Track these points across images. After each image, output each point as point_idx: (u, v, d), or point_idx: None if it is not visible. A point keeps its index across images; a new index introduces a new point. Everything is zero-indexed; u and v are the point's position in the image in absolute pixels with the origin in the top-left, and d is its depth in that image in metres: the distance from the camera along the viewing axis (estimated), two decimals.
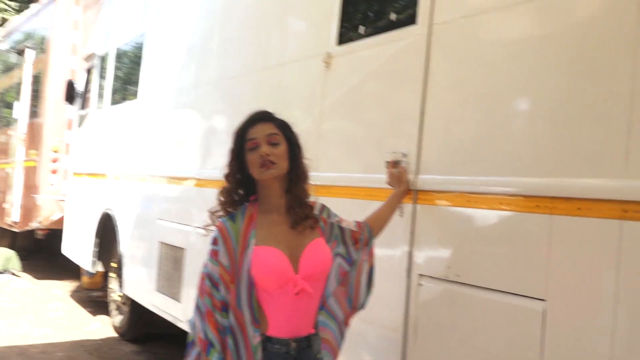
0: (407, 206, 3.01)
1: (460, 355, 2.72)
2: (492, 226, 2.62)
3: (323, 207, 2.56)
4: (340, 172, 3.56)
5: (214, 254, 2.34)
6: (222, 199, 2.44)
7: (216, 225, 2.39)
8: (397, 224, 3.04)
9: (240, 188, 2.44)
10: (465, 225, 2.75)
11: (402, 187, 2.97)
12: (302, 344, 2.36)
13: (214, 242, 2.35)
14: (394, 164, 3.05)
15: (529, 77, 2.56)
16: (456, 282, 2.75)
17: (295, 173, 2.43)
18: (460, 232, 2.77)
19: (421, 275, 2.94)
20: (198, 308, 2.33)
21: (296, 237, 2.39)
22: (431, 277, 2.89)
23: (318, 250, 2.41)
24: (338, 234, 2.56)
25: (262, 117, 2.44)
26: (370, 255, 2.68)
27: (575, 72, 2.38)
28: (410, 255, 2.99)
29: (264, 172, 2.35)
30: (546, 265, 2.35)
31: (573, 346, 2.28)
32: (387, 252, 3.12)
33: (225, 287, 2.30)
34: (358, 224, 2.66)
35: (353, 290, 2.61)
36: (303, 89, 4.01)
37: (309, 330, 2.40)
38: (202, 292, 2.34)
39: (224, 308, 2.30)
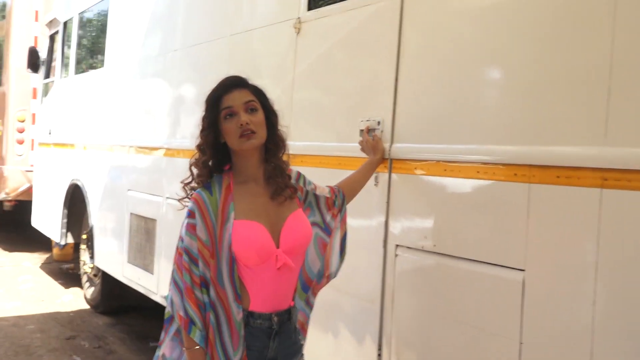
0: (382, 175, 2.96)
1: (438, 327, 2.69)
2: (469, 195, 2.58)
3: (299, 174, 2.50)
4: (313, 141, 3.48)
5: (191, 228, 2.22)
6: (195, 170, 2.32)
7: (192, 197, 2.27)
8: (373, 193, 2.99)
9: (215, 158, 2.33)
10: (441, 195, 2.70)
11: (377, 155, 2.91)
12: (283, 317, 2.31)
13: (191, 215, 2.23)
14: (368, 131, 2.98)
15: (504, 43, 2.50)
16: (433, 252, 2.71)
17: (273, 141, 2.34)
18: (437, 201, 2.72)
19: (397, 245, 2.90)
20: (176, 284, 2.25)
21: (276, 208, 2.32)
22: (408, 247, 2.85)
23: (298, 223, 2.34)
24: (312, 201, 2.50)
25: (237, 83, 2.31)
26: (343, 221, 2.60)
27: (551, 37, 2.32)
28: (386, 226, 2.95)
29: (244, 142, 2.24)
30: (525, 234, 2.32)
31: (552, 316, 2.25)
32: (362, 222, 3.08)
33: (204, 263, 2.21)
34: (331, 189, 2.60)
35: (324, 259, 2.51)
36: (273, 56, 3.91)
37: (289, 303, 2.35)
38: (179, 267, 2.24)
39: (204, 284, 2.22)
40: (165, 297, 2.32)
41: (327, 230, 2.52)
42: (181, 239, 2.26)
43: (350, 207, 2.98)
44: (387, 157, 2.92)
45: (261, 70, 3.99)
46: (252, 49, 4.13)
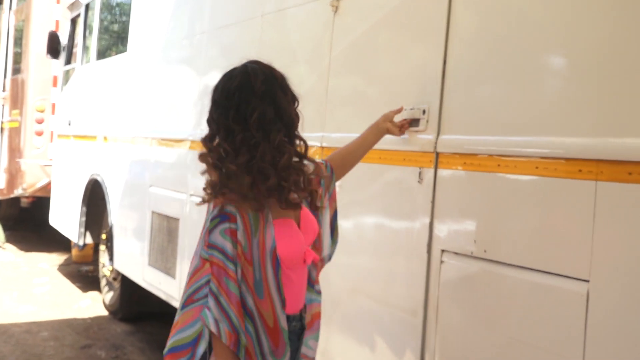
0: (427, 171, 2.85)
1: (487, 343, 2.58)
2: (526, 194, 2.46)
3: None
4: (350, 133, 3.38)
5: (230, 233, 2.13)
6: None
7: (232, 200, 2.16)
8: (415, 191, 2.90)
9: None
10: (494, 194, 2.58)
11: (386, 126, 2.81)
12: (304, 314, 2.36)
13: (230, 218, 2.14)
14: (409, 121, 2.88)
15: (568, 23, 2.38)
16: (483, 258, 2.60)
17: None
18: (489, 201, 2.61)
19: (443, 250, 2.79)
20: (217, 299, 2.12)
21: None
22: (455, 253, 2.74)
23: (309, 215, 2.35)
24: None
25: None
26: (332, 199, 2.55)
27: (624, 16, 2.19)
28: (430, 228, 2.84)
29: None
30: (590, 240, 2.19)
31: (620, 334, 2.13)
32: (403, 224, 3.00)
33: (242, 270, 2.14)
34: (317, 165, 2.45)
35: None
36: (308, 38, 3.84)
37: (304, 301, 2.38)
38: (221, 279, 2.12)
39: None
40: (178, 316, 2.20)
41: (314, 212, 2.41)
42: (214, 247, 2.14)
43: (390, 206, 2.89)
44: (433, 150, 2.81)
45: (295, 53, 3.92)
46: (285, 30, 4.06)
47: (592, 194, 2.18)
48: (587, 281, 2.19)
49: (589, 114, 2.25)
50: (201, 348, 2.16)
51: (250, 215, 2.15)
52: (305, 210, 2.33)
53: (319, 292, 2.43)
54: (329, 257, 2.55)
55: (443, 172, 2.80)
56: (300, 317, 2.31)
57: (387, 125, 2.82)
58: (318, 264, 2.45)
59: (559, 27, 2.42)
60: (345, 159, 2.70)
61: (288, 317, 2.25)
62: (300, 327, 2.31)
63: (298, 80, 3.81)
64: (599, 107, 2.23)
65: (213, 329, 2.11)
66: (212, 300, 2.12)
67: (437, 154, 2.81)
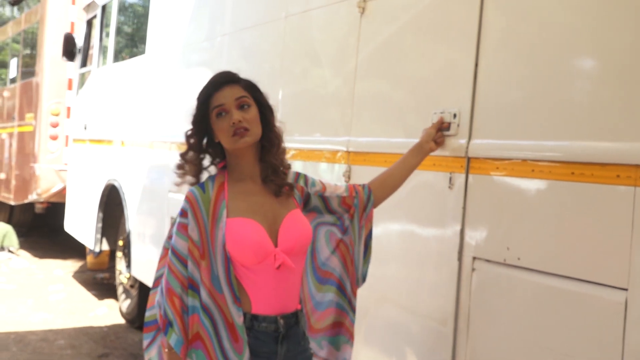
0: (458, 176, 2.86)
1: (522, 354, 2.58)
2: (561, 200, 2.45)
3: (297, 174, 2.59)
4: (377, 137, 3.41)
5: (182, 228, 2.33)
6: (186, 167, 2.46)
7: (185, 197, 2.38)
8: (446, 197, 2.90)
9: (204, 156, 2.47)
10: (528, 199, 2.59)
11: (430, 146, 2.86)
12: (289, 320, 2.42)
13: (183, 214, 2.35)
14: (440, 125, 2.89)
15: (603, 26, 2.38)
16: (517, 266, 2.60)
17: (268, 138, 2.45)
18: (523, 207, 2.61)
19: (475, 258, 2.79)
20: (162, 284, 2.36)
21: (273, 207, 2.43)
22: (487, 260, 2.74)
23: (297, 222, 2.44)
24: (318, 204, 2.60)
25: (227, 80, 2.42)
26: (368, 220, 2.68)
27: None
28: (461, 235, 2.84)
29: (237, 141, 2.34)
30: (628, 247, 2.18)
31: None
32: (433, 230, 3.01)
33: (195, 263, 2.32)
34: (350, 187, 2.65)
35: (342, 260, 2.65)
36: (333, 40, 3.85)
37: (295, 306, 2.45)
38: (164, 267, 2.37)
39: (192, 286, 2.32)
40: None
41: (342, 227, 2.63)
42: (169, 238, 2.41)
43: (420, 212, 2.90)
44: (464, 155, 2.82)
45: (320, 56, 3.95)
46: (310, 32, 4.07)
47: (631, 199, 2.18)
48: (626, 290, 2.19)
49: (627, 117, 2.25)
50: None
51: (203, 211, 2.33)
52: (295, 218, 2.44)
53: (352, 309, 2.64)
54: (364, 278, 2.68)
55: (475, 178, 2.80)
56: (276, 320, 2.37)
57: (431, 145, 2.85)
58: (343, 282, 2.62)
59: (594, 29, 2.42)
60: (386, 182, 2.74)
61: (256, 317, 2.34)
62: (275, 330, 2.36)
63: (322, 83, 3.87)
64: (637, 110, 2.22)
65: (153, 311, 2.44)
66: (159, 290, 2.38)
67: (469, 158, 2.81)
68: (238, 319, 2.32)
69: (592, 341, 2.31)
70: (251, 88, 2.44)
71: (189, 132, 2.46)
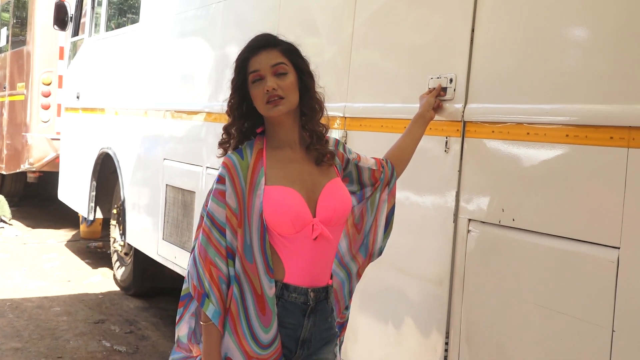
0: (454, 140, 2.91)
1: (516, 313, 2.65)
2: (555, 162, 2.51)
3: (337, 141, 2.54)
4: (374, 103, 3.46)
5: (219, 194, 2.29)
6: (224, 136, 2.41)
7: (223, 162, 2.34)
8: (442, 161, 2.96)
9: (246, 122, 2.40)
10: (523, 162, 2.64)
11: (430, 114, 2.90)
12: (320, 294, 2.37)
13: (220, 180, 2.31)
14: (436, 90, 2.94)
15: None
16: (512, 227, 2.66)
17: (308, 105, 2.39)
18: (518, 169, 2.66)
19: (470, 220, 2.85)
20: (195, 258, 2.31)
21: (312, 176, 2.38)
22: (482, 222, 2.80)
23: (337, 192, 2.40)
24: (352, 171, 2.56)
25: (265, 44, 2.35)
26: (392, 195, 2.66)
27: None
28: (457, 197, 2.90)
29: (271, 109, 2.29)
30: (620, 207, 2.24)
31: None
32: (430, 194, 3.07)
33: (232, 232, 2.27)
34: (378, 161, 2.63)
35: (370, 236, 2.62)
36: (329, 9, 3.88)
37: (327, 281, 2.42)
38: (203, 236, 2.30)
39: (230, 255, 2.28)
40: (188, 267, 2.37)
41: (360, 197, 2.61)
42: (206, 206, 2.34)
43: (415, 176, 2.95)
44: (460, 119, 2.87)
45: (316, 24, 3.98)
46: (306, 0, 4.10)
47: (624, 160, 2.23)
48: (618, 248, 2.25)
49: (619, 80, 2.30)
50: (194, 304, 2.36)
51: (242, 178, 2.28)
52: (335, 188, 2.40)
53: (350, 284, 2.62)
54: (380, 251, 2.66)
55: (470, 141, 2.86)
56: (307, 292, 2.33)
57: (431, 113, 2.89)
58: (357, 257, 2.60)
59: None
60: (401, 156, 2.74)
61: (287, 286, 2.30)
62: (305, 302, 2.32)
63: (319, 50, 3.89)
64: (629, 73, 2.27)
65: (187, 284, 2.34)
66: (191, 258, 2.33)
67: (465, 122, 2.87)
68: (269, 290, 2.27)
69: (585, 299, 2.38)
70: (290, 52, 2.36)
71: (230, 98, 2.39)
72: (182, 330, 2.43)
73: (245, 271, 2.27)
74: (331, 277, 2.46)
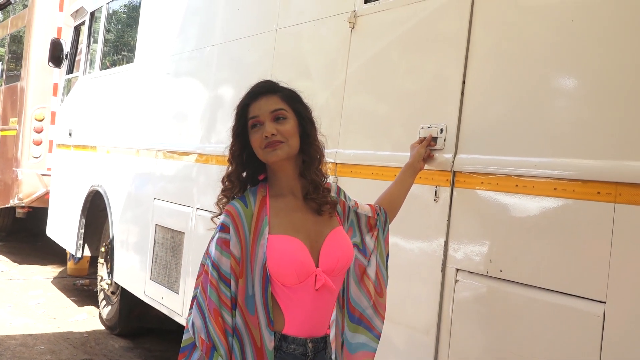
0: (443, 190, 2.94)
1: None
2: (543, 215, 2.54)
3: (339, 189, 2.53)
4: (365, 150, 3.48)
5: (223, 244, 2.23)
6: (226, 184, 2.37)
7: (226, 210, 2.28)
8: (431, 210, 2.98)
9: (246, 169, 2.38)
10: (511, 214, 2.67)
11: (421, 164, 2.93)
12: (318, 345, 2.33)
13: (224, 229, 2.25)
14: (426, 141, 2.97)
15: (587, 45, 2.48)
16: (499, 278, 2.67)
17: (308, 153, 2.36)
18: (506, 221, 2.69)
19: (458, 270, 2.87)
20: (199, 305, 2.25)
21: (315, 225, 2.34)
22: (470, 272, 2.82)
23: (339, 241, 2.36)
24: (354, 220, 2.53)
25: (265, 90, 2.34)
26: (386, 242, 2.64)
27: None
28: (445, 247, 2.92)
29: (269, 154, 2.27)
30: (607, 262, 2.27)
31: (635, 354, 2.20)
32: (418, 242, 3.07)
33: (236, 282, 2.22)
34: (372, 207, 2.62)
35: (378, 284, 2.57)
36: (324, 54, 3.93)
37: (325, 331, 2.38)
38: (205, 286, 2.24)
39: (234, 306, 2.22)
40: (188, 320, 2.30)
41: (365, 252, 2.55)
42: (208, 255, 2.28)
43: (404, 224, 2.97)
44: (450, 169, 2.90)
45: (310, 69, 4.02)
46: (301, 45, 4.15)
47: (610, 216, 2.26)
48: (604, 302, 2.27)
49: (607, 136, 2.34)
50: (196, 354, 2.24)
51: (245, 226, 2.23)
52: (338, 237, 2.37)
53: (375, 335, 2.54)
54: None
55: (460, 191, 2.88)
56: (305, 343, 2.28)
57: (422, 164, 2.93)
58: (376, 303, 2.53)
59: (577, 50, 2.51)
60: (392, 204, 2.74)
61: (286, 338, 2.26)
62: (303, 354, 2.28)
63: (311, 95, 3.92)
64: (618, 129, 2.31)
65: (191, 334, 2.25)
66: (195, 309, 2.25)
67: (454, 172, 2.90)
68: (269, 344, 2.22)
69: (571, 351, 2.38)
70: (291, 99, 2.35)
71: (231, 145, 2.36)
72: None
73: (246, 323, 2.22)
74: (329, 327, 2.42)
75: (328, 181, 2.45)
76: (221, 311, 2.21)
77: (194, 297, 2.29)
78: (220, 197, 2.38)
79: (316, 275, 2.25)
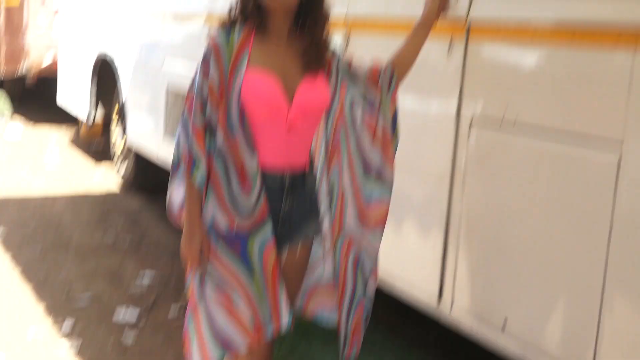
0: (458, 41, 2.88)
1: (513, 209, 2.68)
2: (559, 63, 2.50)
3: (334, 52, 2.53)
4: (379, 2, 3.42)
5: (204, 68, 2.30)
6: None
7: (210, 38, 2.35)
8: (446, 61, 2.94)
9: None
10: (527, 63, 2.64)
11: (436, 15, 2.79)
12: (296, 180, 2.44)
13: (206, 55, 2.32)
14: None
15: None
16: (514, 124, 2.65)
17: (312, 11, 2.39)
18: (521, 70, 2.67)
19: (473, 117, 2.84)
20: (184, 125, 2.33)
21: (295, 67, 2.38)
22: (484, 119, 2.80)
23: (316, 85, 2.40)
24: (346, 72, 2.53)
25: None
26: (393, 100, 2.62)
27: None
28: (460, 96, 2.89)
29: None
30: (624, 110, 2.24)
31: None
32: (433, 93, 3.07)
33: (214, 106, 2.30)
34: (375, 66, 2.60)
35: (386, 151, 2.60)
36: None
37: (304, 168, 2.47)
38: (190, 109, 2.32)
39: (209, 128, 2.32)
40: (174, 139, 2.40)
41: (372, 106, 2.55)
42: (193, 81, 2.35)
43: (418, 75, 2.87)
44: (465, 19, 2.83)
45: None
46: None
47: (630, 63, 2.21)
48: (621, 141, 2.25)
49: None
50: (181, 170, 2.38)
51: (225, 56, 2.29)
52: (315, 81, 2.39)
53: (384, 183, 2.60)
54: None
55: (474, 41, 2.83)
56: (282, 178, 2.39)
57: (439, 13, 2.81)
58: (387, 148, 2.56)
59: None
60: (404, 60, 2.67)
61: (263, 174, 2.35)
62: (280, 186, 2.40)
63: None
64: None
65: (175, 151, 2.37)
66: (180, 128, 2.35)
67: (470, 21, 2.82)
68: (251, 161, 2.32)
69: (585, 198, 2.40)
70: None
71: None
72: (178, 196, 2.45)
73: (229, 145, 2.31)
74: (310, 167, 2.50)
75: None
76: (200, 129, 2.30)
77: (182, 113, 2.36)
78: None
79: (287, 114, 2.33)
